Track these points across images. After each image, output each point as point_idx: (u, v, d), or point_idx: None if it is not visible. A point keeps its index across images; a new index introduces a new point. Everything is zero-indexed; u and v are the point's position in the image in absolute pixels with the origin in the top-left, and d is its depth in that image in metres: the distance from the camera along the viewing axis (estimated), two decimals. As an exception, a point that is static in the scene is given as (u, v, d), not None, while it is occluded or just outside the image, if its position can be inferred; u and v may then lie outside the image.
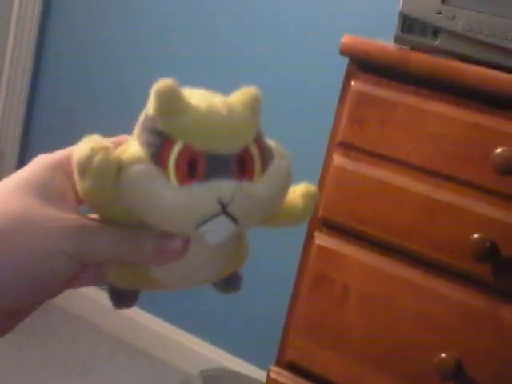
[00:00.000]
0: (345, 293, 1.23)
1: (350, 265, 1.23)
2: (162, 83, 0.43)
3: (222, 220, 0.44)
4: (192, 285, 0.50)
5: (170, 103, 0.43)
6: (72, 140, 0.47)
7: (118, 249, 0.47)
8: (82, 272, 0.50)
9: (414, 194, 1.17)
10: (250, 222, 0.46)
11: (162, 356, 2.36)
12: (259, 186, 0.45)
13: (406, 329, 1.19)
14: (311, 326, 1.27)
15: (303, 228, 1.28)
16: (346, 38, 1.18)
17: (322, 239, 1.25)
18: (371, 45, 1.17)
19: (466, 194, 1.14)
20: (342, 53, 1.19)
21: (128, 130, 0.48)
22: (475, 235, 1.11)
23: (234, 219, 0.44)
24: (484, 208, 1.13)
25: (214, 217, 0.44)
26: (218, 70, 2.26)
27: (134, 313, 2.39)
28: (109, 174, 0.44)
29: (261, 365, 2.16)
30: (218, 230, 0.45)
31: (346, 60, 1.21)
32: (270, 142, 0.48)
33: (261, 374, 2.07)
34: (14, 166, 2.71)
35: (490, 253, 1.10)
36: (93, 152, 0.44)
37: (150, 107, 0.44)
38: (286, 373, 1.29)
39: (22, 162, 2.70)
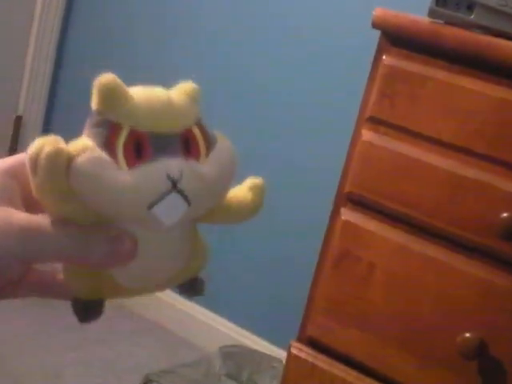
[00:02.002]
0: (370, 270, 1.22)
1: (375, 241, 1.22)
2: (103, 77, 0.45)
3: (174, 198, 0.45)
4: (152, 287, 0.51)
5: (113, 93, 0.45)
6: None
7: (65, 248, 0.46)
8: (25, 278, 0.51)
9: (441, 171, 1.16)
10: (200, 203, 0.47)
11: (180, 332, 2.36)
12: (206, 165, 0.47)
13: (429, 307, 1.18)
14: (334, 303, 1.26)
15: (329, 203, 1.27)
16: (378, 11, 1.17)
17: (347, 215, 1.24)
18: (404, 18, 1.16)
19: (494, 172, 1.13)
20: (375, 26, 1.17)
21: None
22: (504, 214, 1.10)
23: (184, 197, 0.46)
24: (512, 186, 1.11)
25: (165, 195, 0.45)
26: (248, 41, 2.25)
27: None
28: (58, 163, 0.44)
29: (279, 343, 2.16)
30: (171, 209, 0.46)
31: (378, 34, 1.19)
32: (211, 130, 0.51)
33: (278, 353, 2.07)
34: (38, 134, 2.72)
35: (517, 232, 1.09)
36: (42, 146, 0.45)
37: (94, 102, 0.46)
38: (307, 349, 1.29)
39: (46, 129, 2.71)
